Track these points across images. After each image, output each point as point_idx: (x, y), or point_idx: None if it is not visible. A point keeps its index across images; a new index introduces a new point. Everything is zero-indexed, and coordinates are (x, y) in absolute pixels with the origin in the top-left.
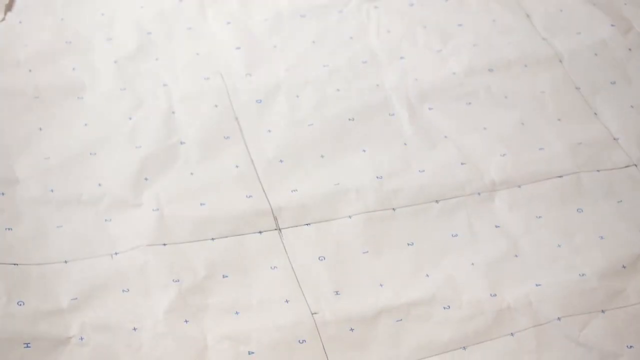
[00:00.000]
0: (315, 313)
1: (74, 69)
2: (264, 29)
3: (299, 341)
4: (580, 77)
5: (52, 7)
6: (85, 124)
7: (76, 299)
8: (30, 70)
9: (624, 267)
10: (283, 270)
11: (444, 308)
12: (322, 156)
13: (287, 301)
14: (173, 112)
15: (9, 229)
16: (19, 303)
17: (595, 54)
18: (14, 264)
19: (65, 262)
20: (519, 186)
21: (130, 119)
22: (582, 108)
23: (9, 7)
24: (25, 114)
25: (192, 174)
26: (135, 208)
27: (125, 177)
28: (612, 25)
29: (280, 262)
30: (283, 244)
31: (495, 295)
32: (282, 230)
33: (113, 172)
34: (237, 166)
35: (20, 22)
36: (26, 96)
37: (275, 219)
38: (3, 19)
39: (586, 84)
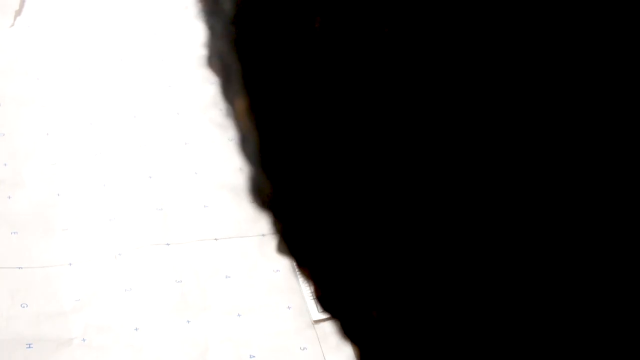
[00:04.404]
0: (316, 321)
1: (79, 69)
2: None
3: (300, 348)
4: None
5: (60, 7)
6: (90, 123)
7: (79, 300)
8: (38, 79)
9: None
10: (286, 274)
11: None
12: None
13: (289, 307)
14: (178, 113)
15: (14, 232)
16: (23, 305)
17: None
18: (19, 268)
19: (70, 264)
20: None
21: (134, 117)
22: None
23: (18, 13)
24: (33, 121)
25: (196, 173)
26: (139, 207)
27: (129, 176)
28: None
29: (283, 266)
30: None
31: None
32: None
33: (117, 171)
34: (240, 169)
35: (28, 27)
36: (34, 105)
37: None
38: (12, 25)
39: None
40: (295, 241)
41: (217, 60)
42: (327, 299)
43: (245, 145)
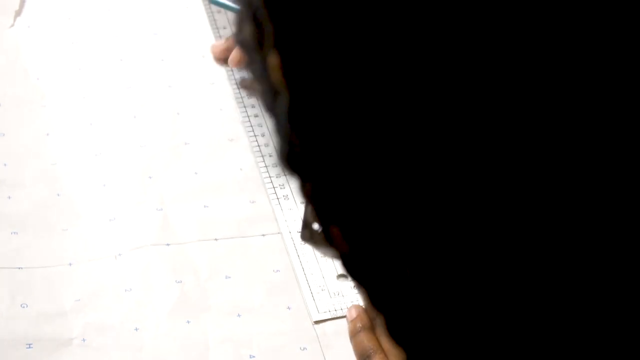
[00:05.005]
0: (316, 321)
1: (79, 69)
2: None
3: (300, 348)
4: None
5: (60, 7)
6: (90, 124)
7: (79, 300)
8: (38, 79)
9: None
10: (286, 275)
11: None
12: None
13: (289, 307)
14: (178, 113)
15: (14, 232)
16: (22, 305)
17: None
18: (19, 268)
19: (70, 264)
20: None
21: (134, 117)
22: None
23: (18, 13)
24: (33, 121)
25: (196, 173)
26: (139, 207)
27: (129, 176)
28: None
29: (283, 266)
30: (286, 247)
31: None
32: (285, 234)
33: (117, 171)
34: (241, 169)
35: (29, 27)
36: (34, 104)
37: (278, 222)
38: (12, 25)
39: None
40: (325, 200)
41: (247, 24)
42: (356, 261)
43: (275, 103)
